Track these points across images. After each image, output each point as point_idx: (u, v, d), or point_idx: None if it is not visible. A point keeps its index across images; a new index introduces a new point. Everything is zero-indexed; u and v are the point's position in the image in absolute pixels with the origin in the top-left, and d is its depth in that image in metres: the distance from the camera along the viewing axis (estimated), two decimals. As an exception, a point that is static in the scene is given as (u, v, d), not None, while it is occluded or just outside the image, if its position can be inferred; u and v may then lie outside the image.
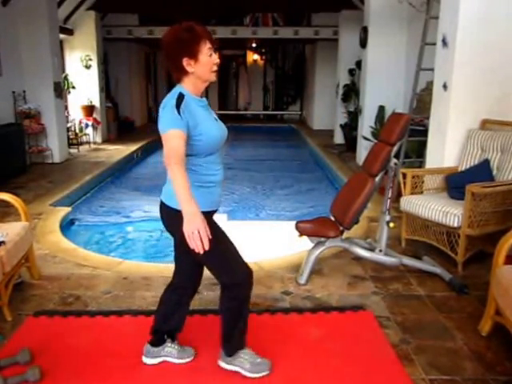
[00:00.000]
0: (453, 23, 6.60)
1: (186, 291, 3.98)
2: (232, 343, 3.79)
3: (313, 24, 19.32)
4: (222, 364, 3.84)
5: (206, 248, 2.84)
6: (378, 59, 11.84)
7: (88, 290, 5.32)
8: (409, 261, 5.65)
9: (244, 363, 3.78)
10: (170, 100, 3.22)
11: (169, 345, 3.93)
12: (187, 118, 3.16)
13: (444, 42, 6.85)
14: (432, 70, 7.42)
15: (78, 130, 15.73)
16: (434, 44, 7.26)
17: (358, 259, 5.89)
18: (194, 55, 3.23)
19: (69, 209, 8.56)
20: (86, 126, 16.08)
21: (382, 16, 11.54)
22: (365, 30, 11.99)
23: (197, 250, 2.82)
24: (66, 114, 14.96)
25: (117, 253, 7.15)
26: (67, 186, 10.03)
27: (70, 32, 15.63)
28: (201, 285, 5.41)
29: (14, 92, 11.92)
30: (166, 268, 6.08)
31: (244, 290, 3.68)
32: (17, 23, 12.04)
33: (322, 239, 5.47)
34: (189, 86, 3.32)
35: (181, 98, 3.21)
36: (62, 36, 14.52)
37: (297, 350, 4.15)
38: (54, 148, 12.79)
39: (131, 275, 5.71)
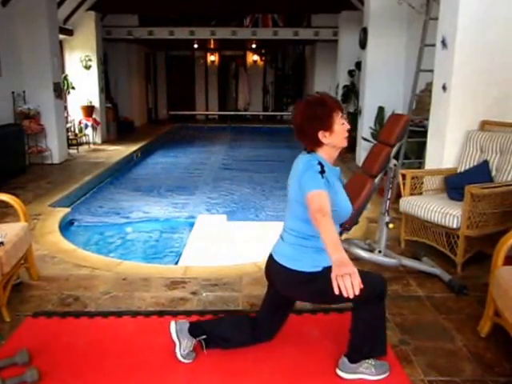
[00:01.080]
0: (452, 24, 6.60)
1: (260, 337, 4.12)
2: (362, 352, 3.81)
3: (312, 25, 19.32)
4: (344, 375, 3.80)
5: (357, 293, 2.75)
6: (378, 60, 11.85)
7: (87, 291, 5.31)
8: (408, 262, 5.65)
9: (370, 368, 3.77)
10: (311, 164, 3.34)
11: (192, 342, 3.93)
12: (328, 186, 3.29)
13: (443, 43, 6.84)
14: (431, 71, 7.42)
15: (77, 131, 15.74)
16: (434, 45, 7.25)
17: (358, 260, 5.86)
18: (329, 127, 3.38)
19: (68, 209, 8.56)
20: (86, 126, 16.06)
21: (381, 17, 11.54)
22: (364, 31, 12.01)
23: (345, 294, 2.74)
24: (66, 114, 14.96)
25: (116, 253, 7.14)
26: (66, 187, 10.04)
27: (69, 32, 15.63)
28: (200, 285, 5.44)
29: (13, 92, 11.91)
30: (165, 269, 6.12)
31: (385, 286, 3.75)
32: (16, 23, 12.03)
33: (322, 240, 5.45)
34: (323, 155, 3.48)
35: (323, 166, 3.32)
36: (61, 36, 14.54)
37: (296, 351, 4.14)
38: (54, 148, 12.78)
39: (130, 276, 5.70)
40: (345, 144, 3.51)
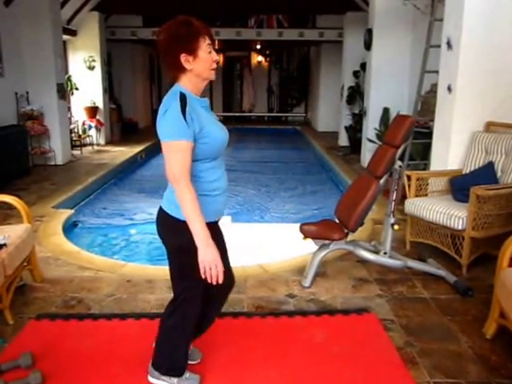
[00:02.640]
0: (457, 25, 6.58)
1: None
2: (164, 358, 3.67)
3: (317, 26, 19.30)
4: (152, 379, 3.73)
5: (220, 281, 2.80)
6: (383, 61, 11.85)
7: (91, 293, 5.30)
8: (413, 263, 5.63)
9: (171, 378, 3.66)
10: (172, 102, 3.03)
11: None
12: (193, 123, 3.01)
13: (448, 45, 6.83)
14: (436, 72, 7.40)
15: (81, 132, 15.74)
16: (439, 46, 7.23)
17: (363, 262, 5.87)
18: (192, 51, 3.07)
19: (71, 211, 8.54)
20: (89, 127, 16.07)
21: (386, 18, 11.53)
22: (369, 32, 12.00)
23: (210, 281, 2.79)
24: (69, 115, 14.98)
25: (120, 255, 7.14)
26: (70, 188, 10.03)
27: (73, 33, 15.64)
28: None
29: (16, 93, 11.92)
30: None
31: (193, 306, 3.56)
32: (19, 24, 12.04)
33: (327, 242, 5.45)
34: (187, 85, 3.15)
35: (184, 99, 3.03)
36: (65, 37, 14.47)
37: (301, 353, 4.13)
38: (57, 150, 12.79)
39: (134, 278, 5.69)
40: (212, 76, 3.21)
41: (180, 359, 3.65)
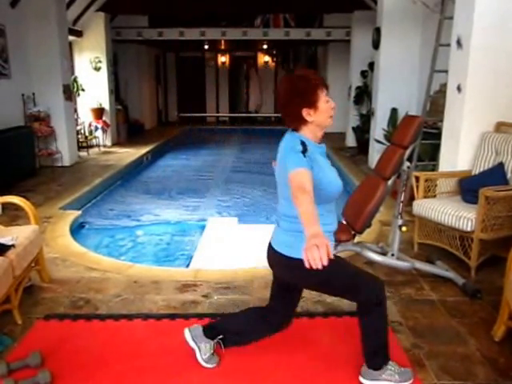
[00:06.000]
0: (468, 24, 6.54)
1: (277, 326, 4.05)
2: (379, 357, 3.74)
3: (325, 25, 19.15)
4: (366, 382, 3.76)
5: (325, 263, 2.66)
6: (391, 61, 11.80)
7: (98, 294, 5.31)
8: (421, 265, 5.60)
9: (393, 375, 3.71)
10: (293, 145, 3.23)
11: (211, 344, 3.91)
12: (312, 164, 3.17)
13: (458, 44, 6.79)
14: (446, 71, 7.36)
15: (87, 133, 15.72)
16: (449, 45, 7.19)
17: (370, 263, 5.84)
18: (313, 104, 3.25)
19: (78, 212, 8.55)
20: (96, 128, 16.09)
21: (395, 17, 11.48)
22: (377, 31, 11.94)
23: (314, 266, 2.65)
24: (76, 116, 14.99)
25: (127, 256, 7.13)
26: (77, 190, 10.04)
27: (79, 34, 15.63)
28: (211, 289, 5.41)
29: (23, 95, 11.92)
30: (176, 272, 6.10)
31: (383, 291, 3.66)
32: (26, 25, 12.01)
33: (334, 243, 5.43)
34: (308, 134, 3.34)
35: (304, 145, 3.21)
36: (71, 38, 14.45)
37: (308, 355, 4.12)
38: (64, 151, 12.79)
39: (141, 279, 5.69)
40: (330, 123, 3.39)
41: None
